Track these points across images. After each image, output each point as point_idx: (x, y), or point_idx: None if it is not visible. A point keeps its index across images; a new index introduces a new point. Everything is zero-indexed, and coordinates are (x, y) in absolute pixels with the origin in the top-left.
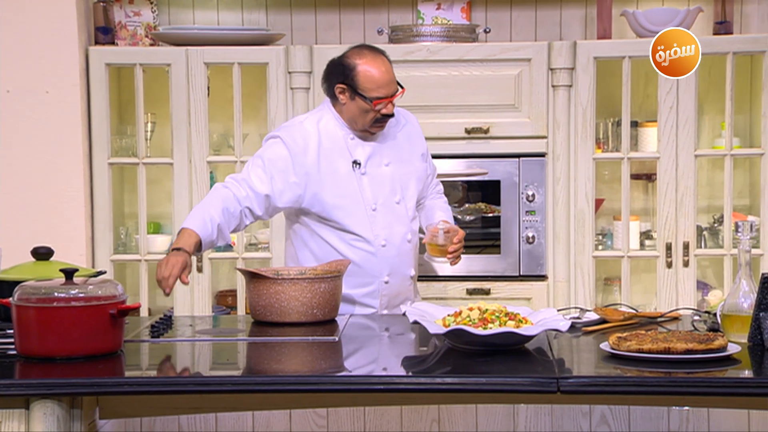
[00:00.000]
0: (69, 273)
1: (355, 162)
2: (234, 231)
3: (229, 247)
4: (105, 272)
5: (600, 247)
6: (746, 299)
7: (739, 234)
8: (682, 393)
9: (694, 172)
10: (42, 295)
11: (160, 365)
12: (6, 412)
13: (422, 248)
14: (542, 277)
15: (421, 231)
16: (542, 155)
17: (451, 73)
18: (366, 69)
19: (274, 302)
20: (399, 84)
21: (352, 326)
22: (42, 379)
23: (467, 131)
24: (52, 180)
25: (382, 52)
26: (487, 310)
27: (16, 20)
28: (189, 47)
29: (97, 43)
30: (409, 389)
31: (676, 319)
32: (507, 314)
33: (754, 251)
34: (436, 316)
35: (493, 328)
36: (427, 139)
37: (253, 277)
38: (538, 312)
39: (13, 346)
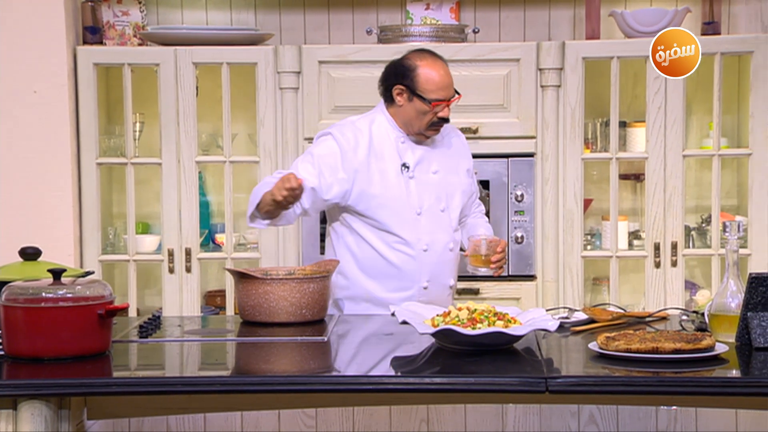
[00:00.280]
0: (57, 273)
1: (404, 165)
2: (284, 223)
3: (217, 247)
4: (93, 272)
5: (588, 247)
6: (734, 299)
7: (726, 234)
8: (670, 393)
9: (682, 172)
10: (30, 295)
11: (148, 366)
12: None
13: (462, 264)
14: (531, 277)
15: (461, 248)
16: (531, 155)
17: None
18: (426, 71)
19: (263, 302)
20: (456, 90)
21: (340, 326)
22: (30, 379)
23: None
24: (40, 180)
25: (441, 57)
26: (476, 310)
27: (3, 20)
28: (177, 47)
29: (85, 42)
30: (398, 389)
31: (664, 318)
32: (496, 314)
33: (741, 251)
34: (425, 316)
35: (482, 328)
36: None
37: (241, 277)
38: (527, 312)
39: (0, 347)
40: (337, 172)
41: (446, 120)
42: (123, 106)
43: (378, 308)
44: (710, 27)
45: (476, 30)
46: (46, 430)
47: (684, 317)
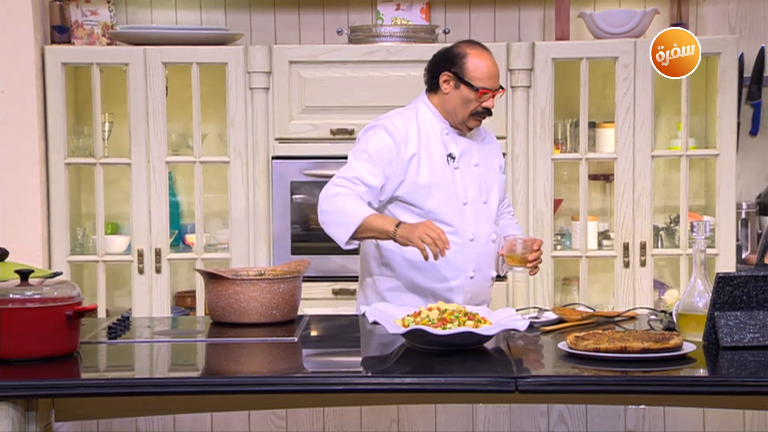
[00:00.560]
0: (24, 274)
1: (450, 155)
2: None
3: (187, 248)
4: (61, 273)
5: (558, 247)
6: (701, 299)
7: (694, 234)
8: (639, 392)
9: (651, 173)
10: None
11: (117, 367)
12: None
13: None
14: (501, 277)
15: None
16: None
17: (410, 74)
18: (476, 59)
19: (233, 303)
20: (500, 85)
21: (311, 327)
22: None
23: None
24: (8, 180)
25: (489, 50)
26: (446, 310)
27: None
28: (147, 47)
29: (53, 42)
30: (368, 389)
31: (632, 318)
32: (466, 314)
33: (709, 251)
34: (396, 316)
35: (452, 328)
36: None
37: (211, 277)
38: (497, 312)
39: None
40: (393, 164)
41: (489, 112)
42: (92, 105)
43: (426, 299)
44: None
45: (447, 30)
46: None
47: (652, 317)
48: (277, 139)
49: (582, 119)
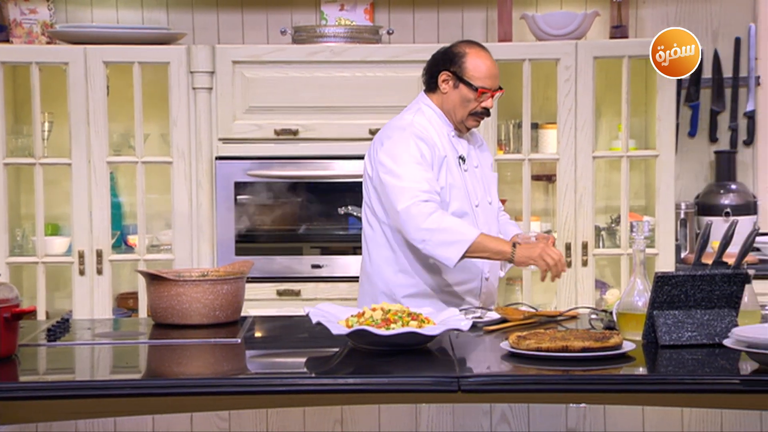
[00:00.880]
0: None
1: (461, 157)
2: None
3: (130, 249)
4: (0, 275)
5: None
6: (641, 298)
7: (633, 234)
8: (579, 390)
9: (593, 173)
10: None
11: (57, 369)
12: None
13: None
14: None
15: None
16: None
17: (354, 74)
18: (475, 58)
19: (176, 304)
20: (500, 86)
21: (254, 328)
22: None
23: (371, 132)
24: None
25: (488, 50)
26: (390, 310)
27: None
28: (87, 46)
29: None
30: (311, 390)
31: (574, 317)
32: (409, 314)
33: (648, 251)
34: (340, 316)
35: (396, 329)
36: (331, 140)
37: (153, 279)
38: (440, 312)
39: None
40: (434, 168)
41: (488, 112)
42: (31, 105)
43: (445, 303)
44: (618, 30)
45: (390, 31)
46: None
47: (593, 316)
48: (220, 140)
49: (525, 120)
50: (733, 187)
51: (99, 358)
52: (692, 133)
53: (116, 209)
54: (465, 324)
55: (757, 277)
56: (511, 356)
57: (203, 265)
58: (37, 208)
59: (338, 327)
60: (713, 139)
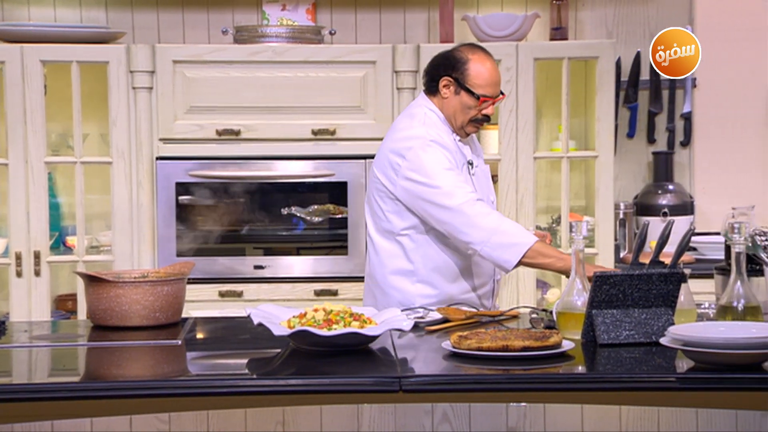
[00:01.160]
0: None
1: (469, 162)
2: None
3: (68, 250)
4: None
5: None
6: (580, 297)
7: (573, 234)
8: (519, 389)
9: (534, 174)
10: None
11: None
12: None
13: None
14: None
15: None
16: None
17: (297, 75)
18: (478, 65)
19: (115, 306)
20: (501, 91)
21: (196, 329)
22: None
23: (314, 133)
24: None
25: (491, 54)
26: (331, 311)
27: None
28: (24, 45)
29: None
30: (252, 392)
31: (515, 317)
32: (351, 315)
33: (588, 250)
34: (282, 317)
35: (338, 329)
36: (273, 140)
37: (92, 280)
38: (383, 312)
39: None
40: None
41: (488, 119)
42: None
43: (467, 307)
44: (558, 32)
45: (333, 32)
46: None
47: (534, 315)
48: (161, 140)
49: None
50: (671, 187)
51: (37, 361)
52: (631, 134)
53: (55, 210)
54: (407, 324)
55: (692, 276)
56: (453, 356)
57: (144, 267)
58: None
59: (280, 328)
60: (651, 140)
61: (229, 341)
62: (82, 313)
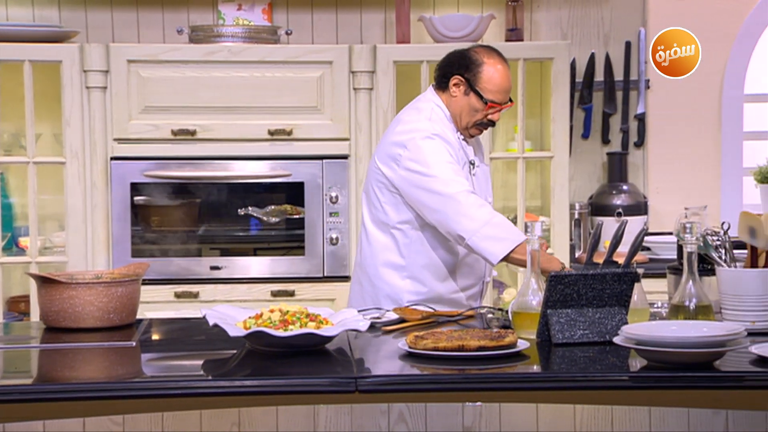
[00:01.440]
0: None
1: (471, 162)
2: None
3: (21, 251)
4: None
5: None
6: (535, 297)
7: (528, 234)
8: (475, 389)
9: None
10: None
11: None
12: None
13: None
14: (346, 278)
15: None
16: (345, 157)
17: (253, 75)
18: (492, 70)
19: (68, 307)
20: (510, 99)
21: (150, 331)
22: None
23: (270, 133)
24: None
25: (506, 60)
26: (288, 311)
27: None
28: None
29: None
30: (208, 393)
31: (472, 317)
32: (308, 315)
33: None
34: (237, 318)
35: (294, 330)
36: (230, 141)
37: (44, 281)
38: (339, 312)
39: None
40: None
41: (493, 124)
42: None
43: (450, 308)
44: (514, 33)
45: (289, 32)
46: None
47: (490, 315)
48: (116, 140)
49: None
50: (625, 187)
51: None
52: (585, 135)
53: (7, 210)
54: (363, 324)
55: (646, 275)
56: (409, 356)
57: (98, 268)
58: None
59: (235, 329)
60: (606, 140)
61: (185, 342)
62: (35, 314)
